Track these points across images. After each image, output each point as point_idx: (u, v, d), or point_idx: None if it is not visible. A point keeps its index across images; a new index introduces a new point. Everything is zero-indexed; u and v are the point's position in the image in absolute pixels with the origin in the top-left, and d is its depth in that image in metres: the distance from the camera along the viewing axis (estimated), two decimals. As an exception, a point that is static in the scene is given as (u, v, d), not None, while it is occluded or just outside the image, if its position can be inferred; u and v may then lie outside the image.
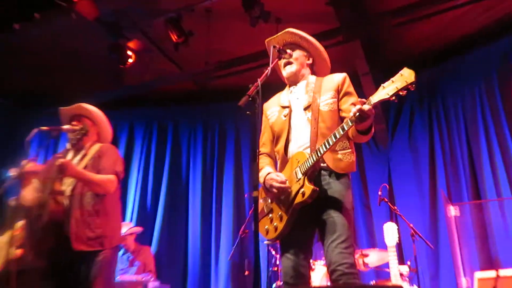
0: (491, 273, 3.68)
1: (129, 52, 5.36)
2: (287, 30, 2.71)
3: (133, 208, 6.44)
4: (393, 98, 2.12)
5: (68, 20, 4.69)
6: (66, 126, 3.08)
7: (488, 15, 5.25)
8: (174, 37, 5.01)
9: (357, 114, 2.15)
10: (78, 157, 3.07)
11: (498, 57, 5.40)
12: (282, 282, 2.42)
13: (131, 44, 5.37)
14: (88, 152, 3.09)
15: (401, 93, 2.10)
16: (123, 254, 5.30)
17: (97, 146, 3.13)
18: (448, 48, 5.82)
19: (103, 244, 2.86)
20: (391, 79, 2.13)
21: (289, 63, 2.65)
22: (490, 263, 4.88)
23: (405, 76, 2.08)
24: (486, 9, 5.15)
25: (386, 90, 2.13)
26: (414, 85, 2.07)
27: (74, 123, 3.11)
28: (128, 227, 5.40)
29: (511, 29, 5.07)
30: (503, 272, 3.62)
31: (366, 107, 2.15)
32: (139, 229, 5.63)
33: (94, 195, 2.92)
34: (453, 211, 4.91)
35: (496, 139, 5.23)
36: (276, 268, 4.59)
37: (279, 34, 2.73)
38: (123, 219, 5.99)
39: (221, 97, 6.41)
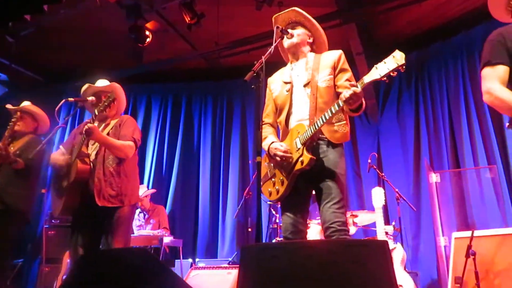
0: (467, 233, 3.69)
1: (147, 32, 5.28)
2: (293, 8, 2.65)
3: (150, 172, 6.51)
4: (385, 78, 2.09)
5: (92, 2, 4.60)
6: (90, 98, 3.09)
7: (469, 2, 5.10)
8: (187, 19, 4.92)
9: (347, 96, 2.15)
10: (101, 127, 3.07)
11: (481, 39, 5.25)
12: (282, 237, 2.44)
13: (149, 25, 5.28)
14: (110, 122, 3.10)
15: (392, 74, 2.06)
16: (140, 212, 5.37)
17: (117, 118, 3.14)
18: (435, 31, 5.68)
19: (123, 201, 2.88)
20: (384, 60, 2.09)
21: (292, 36, 2.60)
22: (466, 224, 4.90)
23: (397, 58, 2.04)
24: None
25: (379, 71, 2.09)
26: (404, 67, 2.03)
27: (103, 98, 3.11)
28: (144, 189, 5.45)
29: (488, 16, 4.90)
30: (477, 233, 3.62)
31: (356, 89, 2.14)
32: (153, 190, 5.70)
33: (116, 158, 2.94)
34: (434, 177, 4.91)
35: (476, 114, 5.17)
36: (275, 226, 4.64)
37: (285, 11, 2.67)
38: (141, 182, 6.05)
39: (229, 74, 6.37)
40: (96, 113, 2.92)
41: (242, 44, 5.61)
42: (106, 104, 2.89)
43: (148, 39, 5.28)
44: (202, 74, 6.73)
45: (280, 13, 2.69)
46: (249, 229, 5.11)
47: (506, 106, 1.94)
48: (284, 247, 1.33)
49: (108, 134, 2.98)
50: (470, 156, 5.10)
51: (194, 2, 4.83)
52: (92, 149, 3.00)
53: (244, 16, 5.29)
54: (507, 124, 2.02)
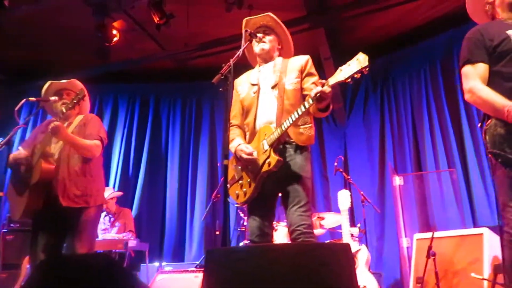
0: (428, 235, 3.81)
1: (114, 31, 5.18)
2: (268, 13, 2.67)
3: (116, 174, 6.36)
4: (349, 80, 2.12)
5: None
6: (53, 98, 2.99)
7: (435, 10, 5.30)
8: (156, 19, 4.86)
9: (318, 94, 2.16)
10: (64, 125, 2.97)
11: (442, 48, 5.49)
12: (248, 240, 2.45)
13: (116, 24, 5.18)
14: (73, 121, 3.01)
15: (356, 76, 2.10)
16: (105, 216, 5.25)
17: (80, 117, 3.06)
18: (400, 38, 5.86)
19: (88, 202, 2.81)
20: (348, 62, 2.13)
21: (264, 42, 2.62)
22: (428, 226, 5.08)
23: (360, 61, 2.08)
24: (433, 5, 5.19)
25: (343, 73, 2.13)
26: (367, 69, 2.07)
27: (64, 96, 3.03)
28: (110, 191, 5.33)
29: (454, 24, 5.12)
30: (437, 234, 3.76)
31: (326, 89, 2.16)
32: (119, 193, 5.57)
33: (80, 157, 2.86)
34: (398, 180, 5.06)
35: (437, 119, 5.38)
36: (243, 229, 4.64)
37: (260, 15, 2.69)
38: (107, 184, 5.92)
39: (199, 75, 6.30)
40: (64, 111, 2.84)
41: (212, 45, 5.60)
42: (75, 101, 2.81)
43: (115, 38, 5.19)
44: (171, 75, 6.65)
45: (252, 17, 2.70)
46: (217, 232, 5.09)
47: (488, 105, 1.95)
48: (249, 251, 1.34)
49: (72, 133, 2.90)
50: (432, 159, 5.30)
51: (163, 2, 4.78)
52: (55, 148, 2.90)
53: (214, 17, 5.28)
54: (479, 124, 2.07)
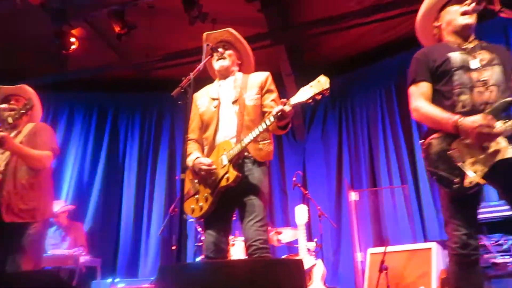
0: (381, 249, 3.92)
1: (73, 39, 5.04)
2: (227, 29, 2.69)
3: (68, 187, 6.10)
4: (310, 101, 2.17)
5: (10, 3, 4.30)
6: (2, 105, 2.84)
7: (389, 34, 5.55)
8: (117, 28, 4.78)
9: (279, 113, 2.19)
10: (12, 134, 2.83)
11: (396, 70, 5.74)
12: (204, 256, 2.42)
13: (75, 32, 5.04)
14: (22, 130, 2.86)
15: (317, 97, 2.15)
16: (56, 230, 5.01)
17: (31, 125, 2.91)
18: (358, 58, 6.07)
19: (35, 216, 2.66)
20: (310, 84, 2.18)
21: (223, 58, 2.63)
22: (381, 240, 5.21)
23: (322, 83, 2.14)
24: (388, 29, 5.43)
25: (305, 94, 2.17)
26: (328, 91, 2.13)
27: (12, 102, 2.89)
28: (61, 205, 5.10)
29: (407, 47, 5.35)
30: (390, 248, 3.87)
31: (287, 108, 2.19)
32: (71, 206, 5.35)
33: (28, 169, 2.71)
34: (353, 196, 5.18)
35: (391, 137, 5.60)
36: (201, 244, 4.57)
37: (219, 30, 2.70)
38: (58, 197, 5.66)
39: (160, 86, 6.21)
40: (11, 121, 2.70)
41: (174, 57, 5.56)
42: (23, 111, 2.68)
43: (73, 46, 5.04)
44: (131, 86, 6.52)
45: (213, 31, 2.71)
46: (173, 247, 4.97)
47: (431, 120, 2.08)
48: (202, 267, 1.32)
49: (21, 142, 2.76)
50: (386, 176, 5.49)
51: (124, 12, 4.71)
52: (1, 160, 2.75)
53: (177, 30, 5.26)
54: (420, 142, 2.18)
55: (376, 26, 5.32)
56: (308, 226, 5.53)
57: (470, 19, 2.16)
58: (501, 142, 1.91)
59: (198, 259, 4.48)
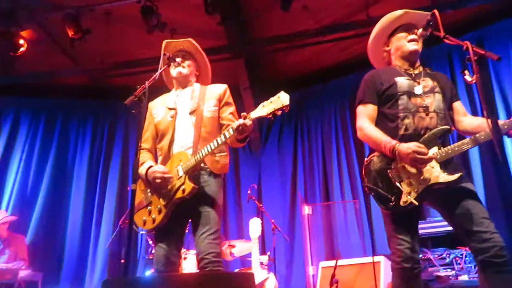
0: (332, 263, 3.99)
1: (22, 41, 4.81)
2: (188, 39, 2.67)
3: (10, 196, 5.72)
4: (270, 116, 2.19)
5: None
6: None
7: (345, 53, 5.75)
8: (70, 33, 4.63)
9: (240, 127, 2.19)
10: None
11: (350, 88, 5.94)
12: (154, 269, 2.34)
13: (24, 33, 4.81)
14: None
15: (277, 112, 2.17)
16: (-5, 242, 4.68)
17: None
18: (315, 75, 6.23)
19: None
20: (270, 99, 2.20)
21: (182, 66, 2.61)
22: (333, 254, 5.31)
23: (282, 99, 2.16)
24: (343, 48, 5.64)
25: (265, 109, 2.19)
26: (288, 108, 2.16)
27: None
28: (2, 215, 4.78)
29: (361, 67, 5.55)
30: (341, 262, 3.95)
31: (248, 122, 2.20)
32: (13, 217, 5.03)
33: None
34: (307, 210, 5.25)
35: (344, 153, 5.76)
36: (151, 257, 4.43)
37: (180, 40, 2.68)
38: (-1, 207, 5.32)
39: (113, 95, 6.05)
40: None
41: (130, 65, 5.44)
42: None
43: (22, 48, 4.81)
44: (83, 92, 6.29)
45: (173, 40, 2.68)
46: (122, 261, 4.78)
47: (372, 141, 2.20)
48: (149, 281, 1.28)
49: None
50: (338, 190, 5.62)
51: (79, 16, 4.57)
52: None
53: (134, 37, 5.16)
54: (366, 159, 2.26)
55: (332, 45, 5.51)
56: (262, 239, 5.54)
57: (417, 46, 2.30)
58: (435, 166, 2.03)
59: (148, 272, 4.34)
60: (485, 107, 1.76)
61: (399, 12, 2.37)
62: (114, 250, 5.50)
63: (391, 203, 2.06)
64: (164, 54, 2.50)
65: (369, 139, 2.22)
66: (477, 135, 2.01)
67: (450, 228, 3.96)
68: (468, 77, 1.87)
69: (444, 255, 3.89)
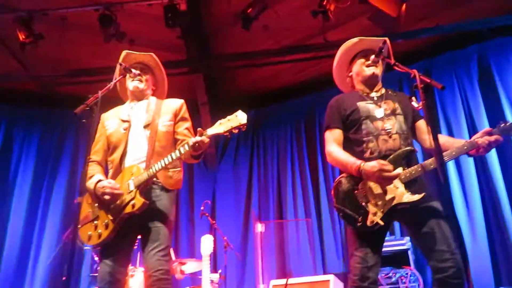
0: (283, 281, 3.99)
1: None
2: (150, 54, 2.65)
3: None
4: (227, 133, 2.19)
5: None
6: None
7: (302, 74, 5.90)
8: (21, 36, 4.43)
9: (196, 144, 2.17)
10: None
11: (307, 109, 6.09)
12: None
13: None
14: None
15: (234, 131, 2.18)
16: None
17: None
18: (272, 94, 6.32)
19: None
20: (228, 117, 2.20)
21: (140, 80, 2.57)
22: (284, 272, 5.32)
23: (239, 118, 2.17)
24: (301, 69, 5.78)
25: (222, 127, 2.19)
26: (245, 127, 2.18)
27: None
28: None
29: (318, 88, 5.71)
30: (291, 280, 3.97)
31: (205, 139, 2.19)
32: None
33: None
34: (260, 227, 5.24)
35: (299, 172, 5.85)
36: (96, 274, 4.22)
37: (143, 53, 2.65)
38: None
39: (64, 103, 5.79)
40: None
41: (84, 74, 5.26)
42: None
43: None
44: (32, 99, 5.97)
45: (135, 52, 2.65)
46: (64, 278, 4.50)
47: (339, 164, 2.27)
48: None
49: None
50: (292, 209, 5.68)
51: (32, 20, 4.39)
52: None
53: (90, 46, 5.02)
54: (335, 180, 2.31)
55: (291, 66, 5.64)
56: (214, 257, 5.45)
57: (375, 70, 2.41)
58: (400, 187, 2.11)
59: (91, 291, 4.13)
60: (430, 132, 1.85)
61: (354, 40, 2.49)
62: (56, 266, 5.20)
63: (358, 223, 2.11)
64: (121, 64, 2.45)
65: (337, 162, 2.28)
66: (430, 160, 2.09)
67: (397, 247, 4.14)
68: (415, 103, 1.98)
69: (390, 274, 4.01)
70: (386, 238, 4.13)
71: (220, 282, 4.21)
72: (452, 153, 2.08)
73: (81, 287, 5.21)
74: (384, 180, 2.07)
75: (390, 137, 2.21)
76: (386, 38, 2.36)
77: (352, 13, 4.51)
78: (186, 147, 2.22)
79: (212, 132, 2.21)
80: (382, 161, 2.09)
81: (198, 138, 2.18)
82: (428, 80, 1.83)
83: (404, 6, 4.17)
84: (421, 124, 2.37)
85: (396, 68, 2.15)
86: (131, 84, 2.57)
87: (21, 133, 5.94)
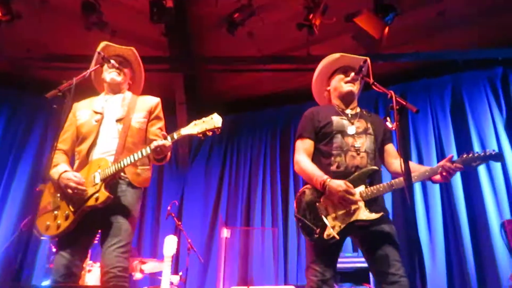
0: (244, 288, 3.96)
1: None
2: (131, 48, 2.62)
3: None
4: (201, 135, 2.19)
5: None
6: None
7: (282, 84, 5.93)
8: (-2, 14, 4.26)
9: (158, 148, 2.16)
10: None
11: (283, 119, 6.13)
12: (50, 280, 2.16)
13: None
14: None
15: (208, 133, 2.18)
16: None
17: None
18: (250, 101, 6.32)
19: None
20: (203, 119, 2.20)
21: (118, 73, 2.53)
22: (245, 280, 5.29)
23: (214, 121, 2.17)
24: (281, 80, 5.81)
25: (197, 128, 2.18)
26: (220, 130, 2.18)
27: None
28: None
29: (296, 100, 5.75)
30: (252, 288, 3.95)
31: (166, 142, 2.17)
32: None
33: None
34: (225, 232, 5.20)
35: (270, 181, 5.86)
36: (52, 266, 4.08)
37: (122, 47, 2.61)
38: None
39: (36, 87, 5.61)
40: None
41: (59, 59, 5.09)
42: None
43: None
44: (3, 79, 5.76)
45: (115, 45, 2.61)
46: (15, 267, 4.32)
47: (305, 175, 2.30)
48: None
49: None
50: (259, 217, 5.66)
51: (12, -2, 4.25)
52: None
53: (70, 32, 4.87)
54: (299, 190, 2.33)
55: (272, 75, 5.66)
56: (176, 258, 5.37)
57: (352, 87, 2.46)
58: (359, 204, 2.15)
59: (45, 282, 3.97)
60: (401, 153, 1.89)
61: (336, 55, 2.54)
62: (10, 255, 4.98)
63: (315, 235, 2.13)
64: (99, 53, 2.40)
65: (303, 172, 2.31)
66: (392, 181, 2.15)
67: (358, 264, 4.19)
68: (389, 124, 2.02)
69: (339, 291, 4.05)
70: (349, 255, 4.21)
71: (180, 284, 4.15)
72: (414, 177, 2.13)
73: (35, 278, 5.01)
74: (345, 202, 2.12)
75: (358, 154, 2.26)
76: (367, 58, 2.41)
77: (337, 30, 4.58)
78: (148, 149, 2.19)
79: (185, 132, 2.19)
80: (349, 184, 2.14)
81: (160, 142, 2.16)
82: (404, 102, 1.87)
83: (387, 29, 4.27)
84: (390, 147, 2.45)
85: (374, 87, 2.19)
86: (109, 75, 2.53)
87: (-13, 114, 5.70)
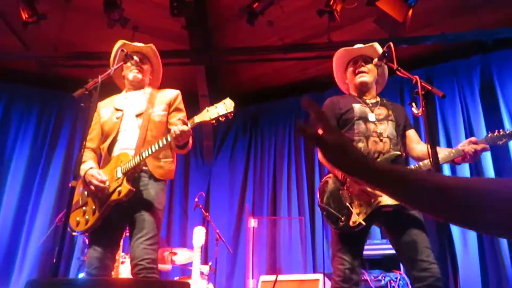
0: (272, 277, 4.00)
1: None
2: (150, 45, 2.64)
3: None
4: (213, 121, 2.17)
5: None
6: None
7: (304, 73, 5.87)
8: (24, 15, 4.38)
9: (177, 132, 2.15)
10: None
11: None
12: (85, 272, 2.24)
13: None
14: None
15: (221, 118, 2.16)
16: None
17: None
18: (273, 90, 6.28)
19: None
20: (215, 105, 2.19)
21: (139, 70, 2.56)
22: (274, 269, 5.33)
23: (227, 105, 2.16)
24: (304, 68, 5.75)
25: (209, 114, 2.17)
26: (232, 114, 2.15)
27: None
28: None
29: (320, 88, 5.68)
30: (281, 277, 3.98)
31: (184, 127, 2.17)
32: None
33: None
34: (253, 222, 5.25)
35: (295, 170, 5.84)
36: (86, 258, 4.22)
37: (142, 45, 2.64)
38: None
39: (63, 85, 5.76)
40: None
41: (84, 57, 5.22)
42: None
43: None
44: (32, 79, 5.94)
45: (133, 43, 2.65)
46: (54, 260, 4.50)
47: (328, 164, 2.22)
48: (74, 284, 1.21)
49: None
50: (286, 206, 5.67)
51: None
52: None
53: (93, 29, 4.97)
54: (322, 180, 2.33)
55: (293, 64, 5.61)
56: (205, 249, 5.45)
57: (365, 78, 2.43)
58: None
59: (81, 275, 4.13)
60: (428, 139, 1.85)
61: (341, 51, 2.56)
62: (48, 248, 5.19)
63: (341, 223, 2.12)
64: (122, 50, 2.44)
65: (325, 162, 2.27)
66: (421, 163, 2.12)
67: (388, 251, 4.15)
68: (415, 110, 1.97)
69: (379, 277, 4.02)
70: (377, 241, 4.16)
71: (210, 274, 4.23)
72: (439, 159, 2.10)
73: (72, 270, 5.20)
74: (365, 194, 2.10)
75: (380, 140, 2.24)
76: (390, 43, 2.35)
77: (358, 15, 4.49)
78: (168, 137, 2.20)
79: (198, 120, 2.19)
80: None
81: (179, 128, 2.15)
82: (430, 87, 1.83)
83: (410, 11, 4.14)
84: (411, 133, 2.42)
85: (399, 73, 2.15)
86: (131, 74, 2.57)
87: (19, 113, 5.90)
